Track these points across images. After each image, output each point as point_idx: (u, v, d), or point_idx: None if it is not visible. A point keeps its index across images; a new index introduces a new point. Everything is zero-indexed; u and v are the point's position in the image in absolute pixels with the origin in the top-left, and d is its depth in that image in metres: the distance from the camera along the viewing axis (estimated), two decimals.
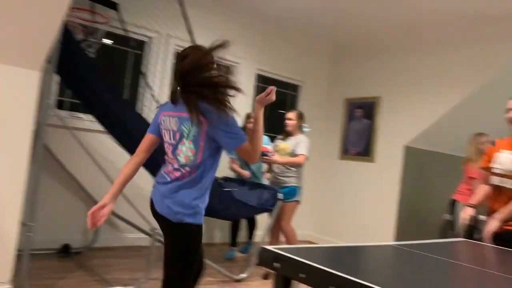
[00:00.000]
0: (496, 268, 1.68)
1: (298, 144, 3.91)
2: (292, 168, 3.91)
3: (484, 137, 4.14)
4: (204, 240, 2.07)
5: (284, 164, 3.90)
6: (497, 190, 2.58)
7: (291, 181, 3.89)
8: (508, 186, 2.50)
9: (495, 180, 2.58)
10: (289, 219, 3.88)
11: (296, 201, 3.89)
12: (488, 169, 2.66)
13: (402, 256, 1.70)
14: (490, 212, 2.58)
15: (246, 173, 4.35)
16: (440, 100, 4.82)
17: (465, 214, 2.72)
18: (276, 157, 3.86)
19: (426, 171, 5.30)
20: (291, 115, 4.04)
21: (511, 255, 2.03)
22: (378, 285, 1.12)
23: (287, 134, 4.08)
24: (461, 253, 1.96)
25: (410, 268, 1.56)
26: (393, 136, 5.27)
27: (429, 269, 1.52)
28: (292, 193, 3.87)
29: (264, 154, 3.83)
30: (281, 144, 4.04)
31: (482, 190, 2.71)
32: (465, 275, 1.48)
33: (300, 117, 4.05)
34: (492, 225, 2.43)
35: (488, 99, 4.45)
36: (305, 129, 4.07)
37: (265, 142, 4.35)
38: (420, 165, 5.27)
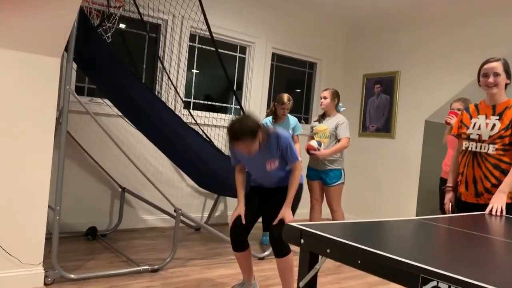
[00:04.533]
0: None
1: (337, 126, 3.86)
2: (336, 154, 3.88)
3: (457, 103, 3.79)
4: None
5: (332, 154, 3.84)
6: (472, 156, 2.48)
7: (334, 165, 3.87)
8: (486, 151, 2.41)
9: (472, 146, 2.48)
10: (338, 201, 3.92)
11: (342, 183, 3.91)
12: (460, 136, 2.56)
13: (427, 230, 1.69)
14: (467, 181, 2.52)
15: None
16: (460, 72, 4.71)
17: (447, 199, 2.66)
18: (323, 151, 3.79)
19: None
20: (326, 93, 3.94)
21: None
22: (406, 258, 1.13)
23: (322, 115, 4.03)
24: (483, 226, 1.94)
25: (437, 242, 1.56)
26: (413, 111, 5.20)
27: (454, 242, 1.52)
28: (337, 176, 3.88)
29: (309, 152, 3.84)
30: (319, 126, 3.96)
31: (455, 164, 2.63)
32: (492, 248, 1.48)
33: (336, 95, 3.95)
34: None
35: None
36: (340, 108, 4.02)
37: (293, 123, 4.32)
38: (441, 140, 5.19)
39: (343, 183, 3.95)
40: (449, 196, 2.67)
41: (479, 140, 2.44)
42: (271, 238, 2.61)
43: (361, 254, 1.22)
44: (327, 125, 3.91)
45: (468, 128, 2.52)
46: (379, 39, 5.68)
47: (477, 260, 1.26)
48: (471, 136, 2.48)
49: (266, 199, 2.76)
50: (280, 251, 2.60)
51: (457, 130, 2.61)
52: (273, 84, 5.55)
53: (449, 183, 2.67)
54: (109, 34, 3.44)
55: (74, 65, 3.80)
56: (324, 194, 3.99)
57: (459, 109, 3.73)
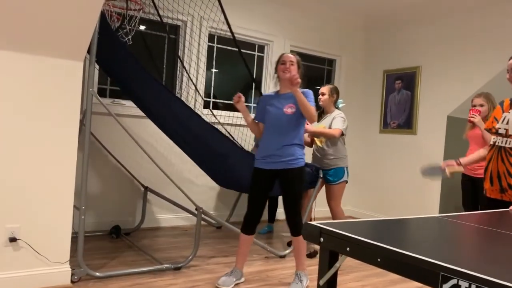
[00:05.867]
0: None
1: (332, 121, 3.82)
2: (331, 151, 3.82)
3: (478, 98, 3.72)
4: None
5: (316, 133, 3.82)
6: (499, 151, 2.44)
7: (337, 163, 3.83)
8: (511, 146, 2.35)
9: (498, 141, 2.44)
10: (339, 200, 3.86)
11: (343, 181, 3.86)
12: (492, 131, 2.52)
13: (448, 227, 1.68)
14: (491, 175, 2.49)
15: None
16: (484, 66, 4.61)
17: (444, 164, 2.66)
18: (309, 126, 3.69)
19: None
20: (324, 89, 3.91)
21: None
22: (425, 256, 1.12)
23: (321, 113, 3.99)
24: (506, 223, 1.91)
25: (458, 239, 1.55)
26: (435, 107, 5.12)
27: (476, 239, 1.50)
28: (339, 174, 3.82)
29: None
30: (317, 125, 3.89)
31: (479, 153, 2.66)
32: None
33: (334, 91, 3.91)
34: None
35: None
36: (340, 105, 3.99)
37: None
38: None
39: (346, 181, 3.88)
40: (450, 162, 2.68)
41: (506, 135, 2.40)
42: (289, 219, 2.94)
43: (380, 252, 1.22)
44: (324, 123, 3.87)
45: (498, 122, 2.49)
46: (399, 34, 5.61)
47: (499, 258, 1.24)
48: (499, 131, 2.44)
49: (271, 185, 3.03)
50: (297, 230, 2.95)
51: (490, 124, 2.57)
52: None
53: (460, 159, 2.67)
54: (130, 36, 3.50)
55: (97, 66, 3.89)
56: (325, 192, 3.92)
57: (481, 105, 3.68)
